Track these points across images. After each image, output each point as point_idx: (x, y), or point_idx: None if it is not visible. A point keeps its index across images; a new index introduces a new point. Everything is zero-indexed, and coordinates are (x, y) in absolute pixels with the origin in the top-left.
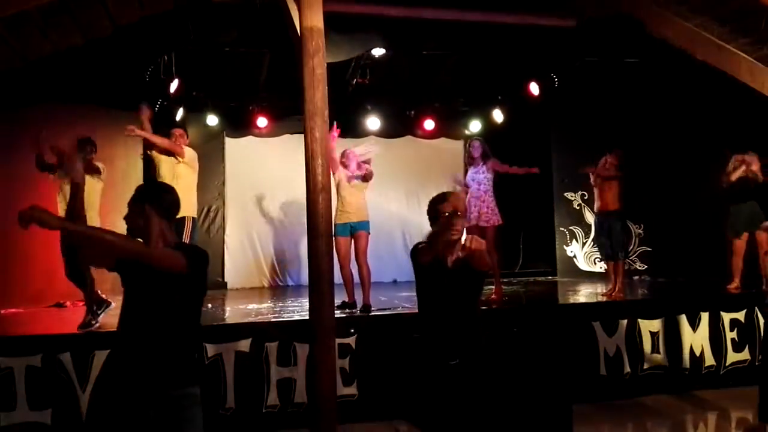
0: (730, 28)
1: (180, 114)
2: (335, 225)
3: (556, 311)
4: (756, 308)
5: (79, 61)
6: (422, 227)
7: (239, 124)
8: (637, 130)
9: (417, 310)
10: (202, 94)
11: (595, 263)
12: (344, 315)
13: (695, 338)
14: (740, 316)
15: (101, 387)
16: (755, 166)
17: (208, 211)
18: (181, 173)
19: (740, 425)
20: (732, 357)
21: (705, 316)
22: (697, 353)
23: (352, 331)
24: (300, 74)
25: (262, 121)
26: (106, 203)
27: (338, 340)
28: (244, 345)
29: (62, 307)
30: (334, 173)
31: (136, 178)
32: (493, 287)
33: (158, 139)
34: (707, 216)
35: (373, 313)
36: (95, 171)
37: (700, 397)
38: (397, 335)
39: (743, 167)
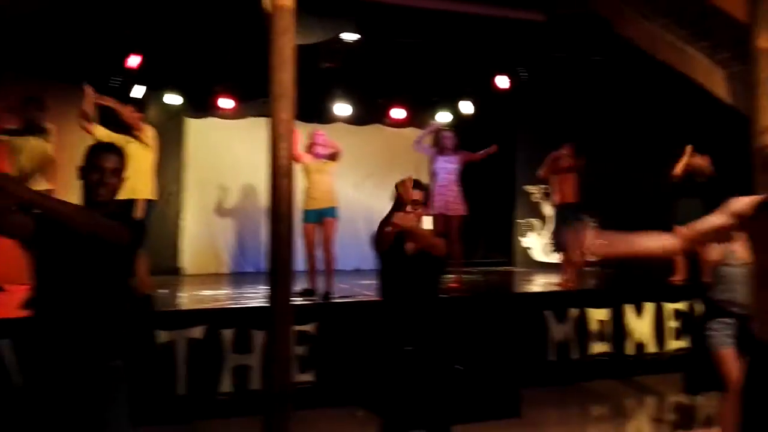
0: (691, 31)
1: (138, 91)
2: (303, 212)
3: (510, 300)
4: (696, 299)
5: (31, 31)
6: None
7: (201, 105)
8: (598, 126)
9: (379, 298)
10: (163, 71)
11: (550, 254)
12: (305, 302)
13: (640, 327)
14: (682, 306)
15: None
16: (701, 161)
17: (165, 193)
18: (133, 153)
19: (676, 406)
20: (673, 344)
21: (649, 306)
22: (641, 341)
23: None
24: (268, 54)
25: (225, 102)
26: (57, 178)
27: (297, 327)
28: (198, 332)
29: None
30: (299, 161)
31: None
32: (454, 276)
33: (121, 108)
34: (656, 210)
35: (333, 301)
36: (39, 131)
37: (642, 382)
38: (357, 323)
39: (685, 159)
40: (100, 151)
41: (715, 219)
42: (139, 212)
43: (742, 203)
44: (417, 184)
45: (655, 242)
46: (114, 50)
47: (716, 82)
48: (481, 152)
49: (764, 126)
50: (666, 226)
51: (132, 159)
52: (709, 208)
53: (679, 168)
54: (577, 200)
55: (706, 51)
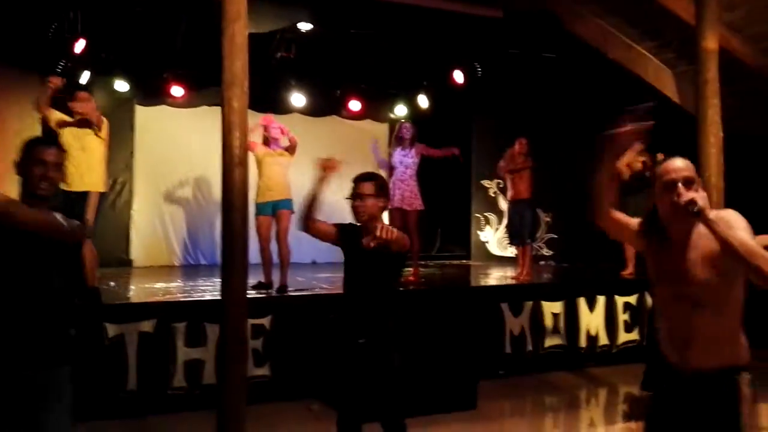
0: (640, 31)
1: (85, 77)
2: (256, 204)
3: (467, 293)
4: (646, 292)
5: None
6: (343, 208)
7: (152, 92)
8: (553, 122)
9: (337, 291)
10: (111, 57)
11: (506, 248)
12: (259, 295)
13: (592, 319)
14: (632, 299)
15: None
16: (640, 159)
17: (114, 183)
18: (88, 145)
19: (627, 397)
20: (623, 337)
21: (601, 300)
22: (593, 333)
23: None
24: (219, 41)
25: (177, 90)
26: None
27: (252, 321)
28: (149, 325)
29: None
30: (252, 151)
31: None
32: (412, 269)
33: (84, 106)
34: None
35: (289, 294)
36: None
37: (594, 373)
38: (313, 316)
39: (628, 156)
40: (39, 145)
41: (631, 223)
42: (91, 206)
43: (634, 222)
44: (366, 177)
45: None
46: (59, 34)
47: (664, 82)
48: (442, 150)
49: (710, 125)
50: None
51: (87, 151)
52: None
53: (624, 170)
54: (530, 196)
55: (654, 51)
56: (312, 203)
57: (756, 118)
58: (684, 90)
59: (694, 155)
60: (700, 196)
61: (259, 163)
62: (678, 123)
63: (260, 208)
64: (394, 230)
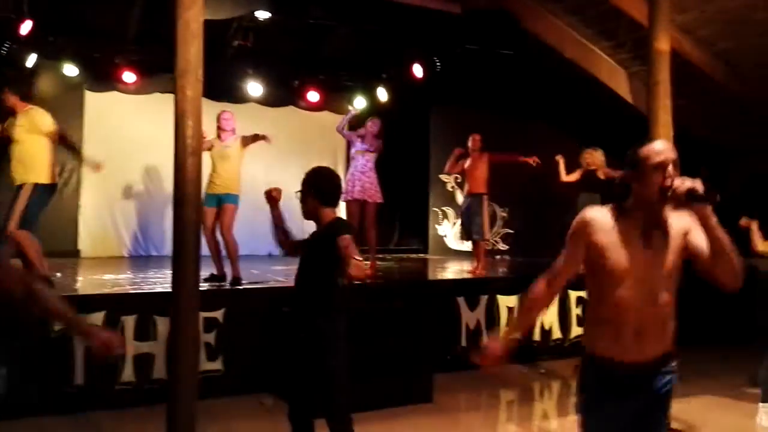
0: (595, 31)
1: (32, 60)
2: (204, 195)
3: (424, 287)
4: None
5: None
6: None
7: (102, 78)
8: (509, 117)
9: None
10: (59, 40)
11: (463, 242)
12: (212, 288)
13: (546, 314)
14: (584, 294)
15: None
16: (592, 159)
17: (62, 171)
18: (20, 138)
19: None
20: (576, 331)
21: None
22: (547, 327)
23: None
24: (173, 27)
25: (128, 76)
26: None
27: (204, 314)
28: (97, 318)
29: None
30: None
31: None
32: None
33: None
34: (562, 202)
35: (243, 286)
36: None
37: (547, 366)
38: (267, 309)
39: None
40: None
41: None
42: (21, 197)
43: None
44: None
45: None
46: (3, 14)
47: (618, 81)
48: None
49: (661, 126)
50: (571, 218)
51: (19, 143)
52: (606, 202)
53: (573, 175)
54: (486, 191)
55: (609, 51)
56: (280, 231)
57: (706, 119)
58: (637, 90)
59: None
60: (698, 184)
61: (211, 156)
62: (631, 122)
63: (205, 200)
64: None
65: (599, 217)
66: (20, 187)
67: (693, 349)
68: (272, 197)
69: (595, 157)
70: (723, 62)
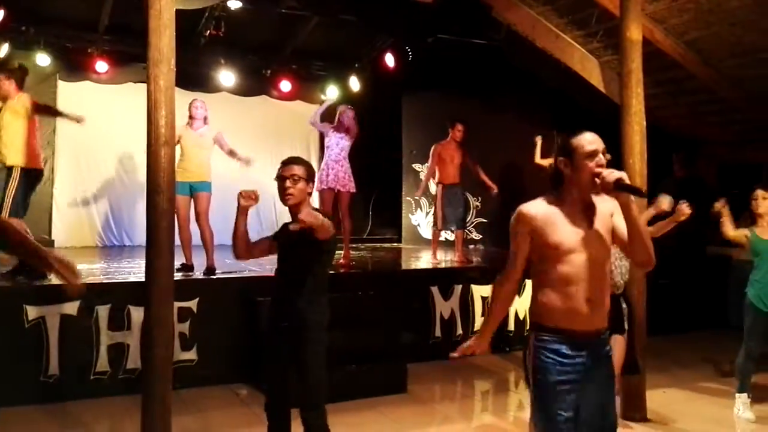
0: (567, 20)
1: (4, 50)
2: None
3: (398, 276)
4: None
5: None
6: (273, 190)
7: (75, 68)
8: (481, 106)
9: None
10: (32, 30)
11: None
12: (185, 277)
13: (519, 303)
14: None
15: None
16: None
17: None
18: (3, 120)
19: None
20: None
21: (529, 284)
22: (521, 317)
23: None
24: (145, 17)
25: (101, 66)
26: None
27: (178, 304)
28: (71, 308)
29: None
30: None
31: None
32: (343, 252)
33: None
34: (538, 192)
35: (216, 276)
36: None
37: (521, 356)
38: (241, 299)
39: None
40: None
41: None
42: (13, 183)
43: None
44: (296, 160)
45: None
46: None
47: (590, 71)
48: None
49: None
50: None
51: (7, 128)
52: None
53: (546, 161)
54: (459, 182)
55: (581, 40)
56: (239, 238)
57: (677, 108)
58: (609, 79)
59: (617, 142)
60: (625, 175)
61: (180, 141)
62: (604, 110)
63: (178, 188)
64: (319, 216)
65: (533, 206)
66: (9, 171)
67: (665, 338)
68: (252, 199)
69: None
70: (694, 51)
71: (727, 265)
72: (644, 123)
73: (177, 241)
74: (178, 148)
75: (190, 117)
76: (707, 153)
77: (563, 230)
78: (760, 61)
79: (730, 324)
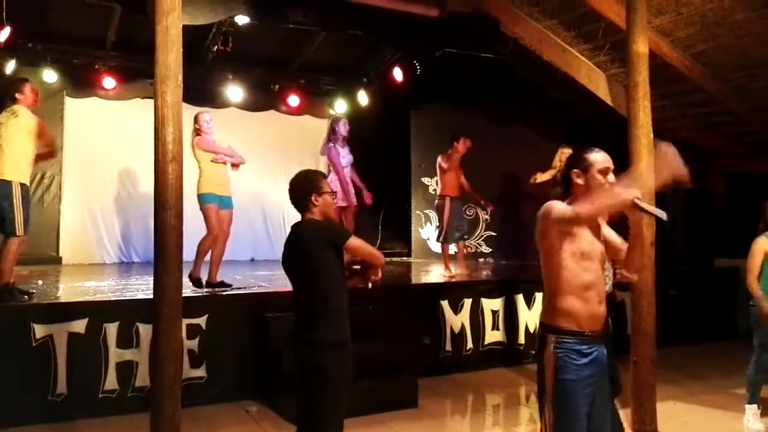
0: (574, 34)
1: (11, 67)
2: (209, 195)
3: (408, 291)
4: None
5: None
6: (282, 205)
7: (82, 84)
8: (489, 120)
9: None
10: (39, 46)
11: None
12: (194, 294)
13: (530, 316)
14: None
15: None
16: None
17: (42, 178)
18: (3, 134)
19: None
20: None
21: (539, 296)
22: (531, 330)
23: None
24: (152, 33)
25: (109, 82)
26: None
27: (187, 321)
28: (79, 326)
29: None
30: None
31: None
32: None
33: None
34: (541, 203)
35: (226, 292)
36: None
37: (533, 369)
38: (250, 315)
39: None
40: None
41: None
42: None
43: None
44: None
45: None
46: None
47: (597, 84)
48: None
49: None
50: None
51: (2, 140)
52: None
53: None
54: (459, 194)
55: (587, 54)
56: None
57: (685, 120)
58: (616, 92)
59: (624, 154)
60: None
61: (203, 156)
62: (611, 123)
63: (219, 201)
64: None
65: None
66: (7, 185)
67: (675, 349)
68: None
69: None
70: (701, 64)
71: (734, 276)
72: (651, 135)
73: (188, 257)
74: (206, 160)
75: (206, 132)
76: (715, 165)
77: (587, 239)
78: (765, 73)
79: (739, 334)
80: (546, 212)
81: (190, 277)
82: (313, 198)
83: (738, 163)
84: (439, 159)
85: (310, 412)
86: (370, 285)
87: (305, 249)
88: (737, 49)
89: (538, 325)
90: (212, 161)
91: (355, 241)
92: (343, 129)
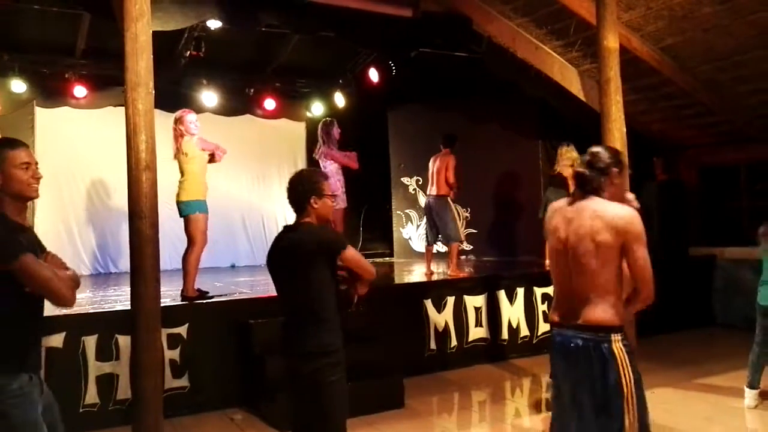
0: (546, 31)
1: None
2: (200, 201)
3: (391, 291)
4: None
5: None
6: (262, 210)
7: (53, 93)
8: (468, 117)
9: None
10: (7, 56)
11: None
12: (173, 303)
13: (512, 312)
14: (550, 290)
15: None
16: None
17: None
18: None
19: (549, 386)
20: (543, 327)
21: (520, 292)
22: (514, 325)
23: None
24: (121, 40)
25: (80, 91)
26: None
27: (167, 330)
28: (57, 340)
29: None
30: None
31: None
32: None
33: None
34: (526, 201)
35: (206, 300)
36: None
37: (517, 364)
38: (232, 322)
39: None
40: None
41: None
42: None
43: None
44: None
45: None
46: None
47: (570, 80)
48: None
49: (613, 121)
50: (535, 216)
51: None
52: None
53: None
54: (446, 193)
55: (560, 50)
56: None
57: (656, 113)
58: (589, 87)
59: None
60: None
61: (197, 160)
62: (584, 118)
63: (204, 207)
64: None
65: None
66: None
67: (653, 339)
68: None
69: (573, 155)
70: (670, 57)
71: (711, 265)
72: (624, 129)
73: (170, 266)
74: (198, 163)
75: (191, 133)
76: (687, 156)
77: None
78: (733, 65)
79: (716, 321)
80: (639, 231)
81: (185, 297)
82: (312, 200)
83: (709, 154)
84: (454, 161)
85: (314, 428)
86: (355, 299)
87: (306, 258)
88: (705, 43)
89: (585, 326)
90: (210, 162)
91: (350, 252)
92: (336, 132)
